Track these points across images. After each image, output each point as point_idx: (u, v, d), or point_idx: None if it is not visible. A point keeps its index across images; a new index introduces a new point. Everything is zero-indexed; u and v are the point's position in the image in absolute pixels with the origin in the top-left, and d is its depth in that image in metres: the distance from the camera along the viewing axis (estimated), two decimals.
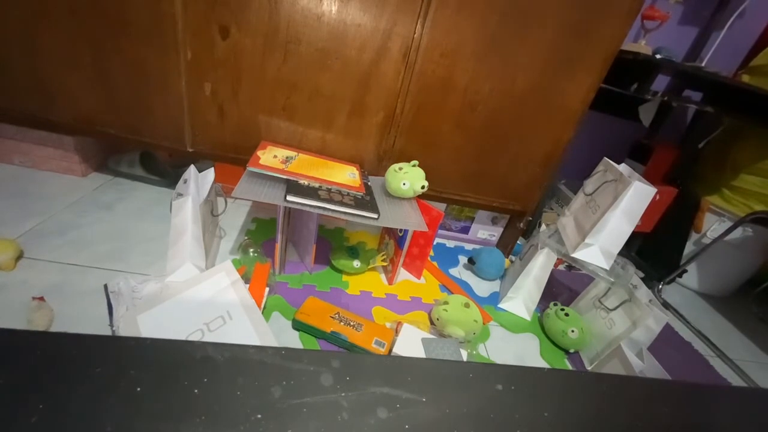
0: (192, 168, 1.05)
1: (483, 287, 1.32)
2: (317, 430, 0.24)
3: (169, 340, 0.28)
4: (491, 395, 0.30)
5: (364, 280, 1.18)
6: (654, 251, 1.74)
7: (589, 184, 1.13)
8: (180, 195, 0.99)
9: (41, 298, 0.81)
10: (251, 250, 1.09)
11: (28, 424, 0.21)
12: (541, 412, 0.29)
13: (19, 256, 0.92)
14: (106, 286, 0.89)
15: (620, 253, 1.04)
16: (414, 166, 1.11)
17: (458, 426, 0.27)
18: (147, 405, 0.24)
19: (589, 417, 0.31)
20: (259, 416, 0.24)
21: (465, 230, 1.53)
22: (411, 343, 0.93)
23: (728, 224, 1.45)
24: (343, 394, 0.27)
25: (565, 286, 1.40)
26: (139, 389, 0.24)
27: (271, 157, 1.06)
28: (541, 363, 1.08)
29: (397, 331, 0.97)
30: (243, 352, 0.29)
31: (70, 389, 0.23)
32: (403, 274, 1.26)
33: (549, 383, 0.33)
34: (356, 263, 1.14)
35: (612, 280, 1.07)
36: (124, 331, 0.77)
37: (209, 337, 0.77)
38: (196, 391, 0.25)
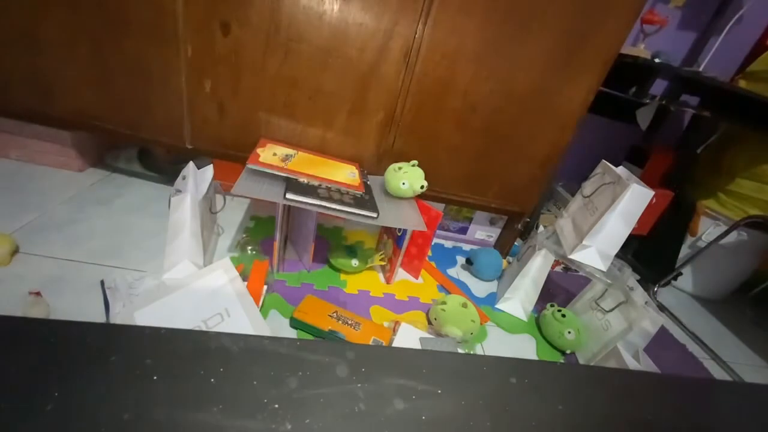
0: (191, 165, 1.04)
1: (480, 288, 1.32)
2: (335, 420, 0.24)
3: (183, 330, 0.28)
4: (505, 388, 0.30)
5: (362, 279, 1.17)
6: (650, 254, 1.75)
7: (587, 186, 1.13)
8: (178, 191, 0.98)
9: (38, 293, 0.80)
10: (249, 247, 1.08)
11: (43, 412, 0.21)
12: (555, 405, 0.30)
13: (15, 251, 0.91)
14: (102, 282, 0.88)
15: (616, 256, 1.05)
16: (413, 166, 1.11)
17: (474, 417, 0.27)
18: (164, 393, 0.23)
19: (602, 411, 0.31)
20: (277, 406, 0.24)
21: (463, 231, 1.54)
22: (409, 342, 0.93)
23: (723, 228, 1.46)
24: (359, 385, 0.27)
25: (562, 288, 1.41)
26: (155, 377, 0.24)
27: (270, 154, 1.06)
28: None
29: (395, 331, 0.97)
30: (258, 342, 0.28)
31: (85, 377, 0.23)
32: (401, 274, 1.25)
33: (562, 377, 0.33)
34: (354, 262, 1.14)
35: (609, 281, 1.08)
36: None
37: None
38: (212, 380, 0.25)
